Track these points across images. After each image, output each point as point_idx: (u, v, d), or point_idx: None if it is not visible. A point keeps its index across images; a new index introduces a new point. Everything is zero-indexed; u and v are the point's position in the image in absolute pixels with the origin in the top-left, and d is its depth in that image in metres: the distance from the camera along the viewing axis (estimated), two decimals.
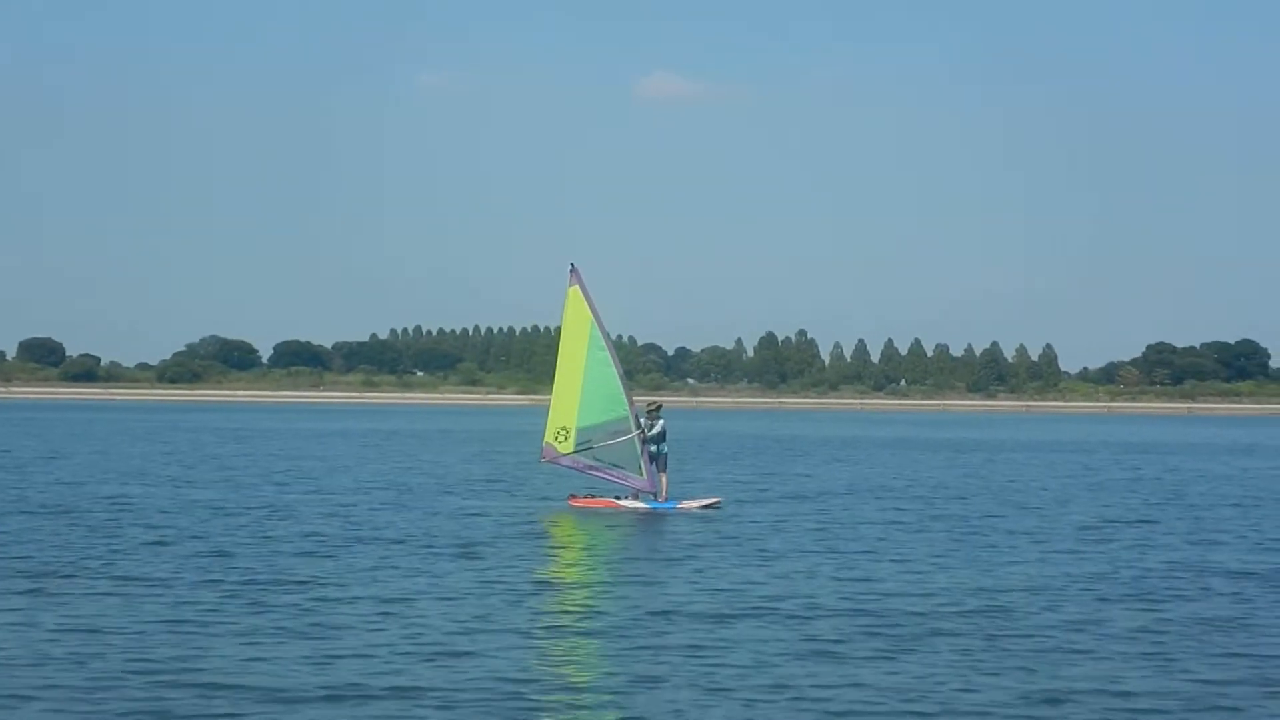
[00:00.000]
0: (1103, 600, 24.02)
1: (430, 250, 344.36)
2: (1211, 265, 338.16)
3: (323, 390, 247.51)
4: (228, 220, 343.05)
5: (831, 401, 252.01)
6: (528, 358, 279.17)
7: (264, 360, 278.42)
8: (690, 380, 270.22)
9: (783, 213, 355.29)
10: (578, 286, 39.45)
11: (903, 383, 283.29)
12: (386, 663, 18.38)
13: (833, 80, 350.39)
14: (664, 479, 39.55)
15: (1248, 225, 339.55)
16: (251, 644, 19.43)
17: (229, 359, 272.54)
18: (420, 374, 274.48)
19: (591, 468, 39.48)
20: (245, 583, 24.82)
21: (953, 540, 32.75)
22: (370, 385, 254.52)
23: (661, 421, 39.30)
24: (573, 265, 39.72)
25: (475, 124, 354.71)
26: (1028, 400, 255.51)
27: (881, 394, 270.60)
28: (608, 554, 30.64)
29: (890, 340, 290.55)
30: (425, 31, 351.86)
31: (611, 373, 39.24)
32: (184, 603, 22.62)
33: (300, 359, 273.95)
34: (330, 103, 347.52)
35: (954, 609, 22.77)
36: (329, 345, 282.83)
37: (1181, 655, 19.40)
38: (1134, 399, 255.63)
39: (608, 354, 39.31)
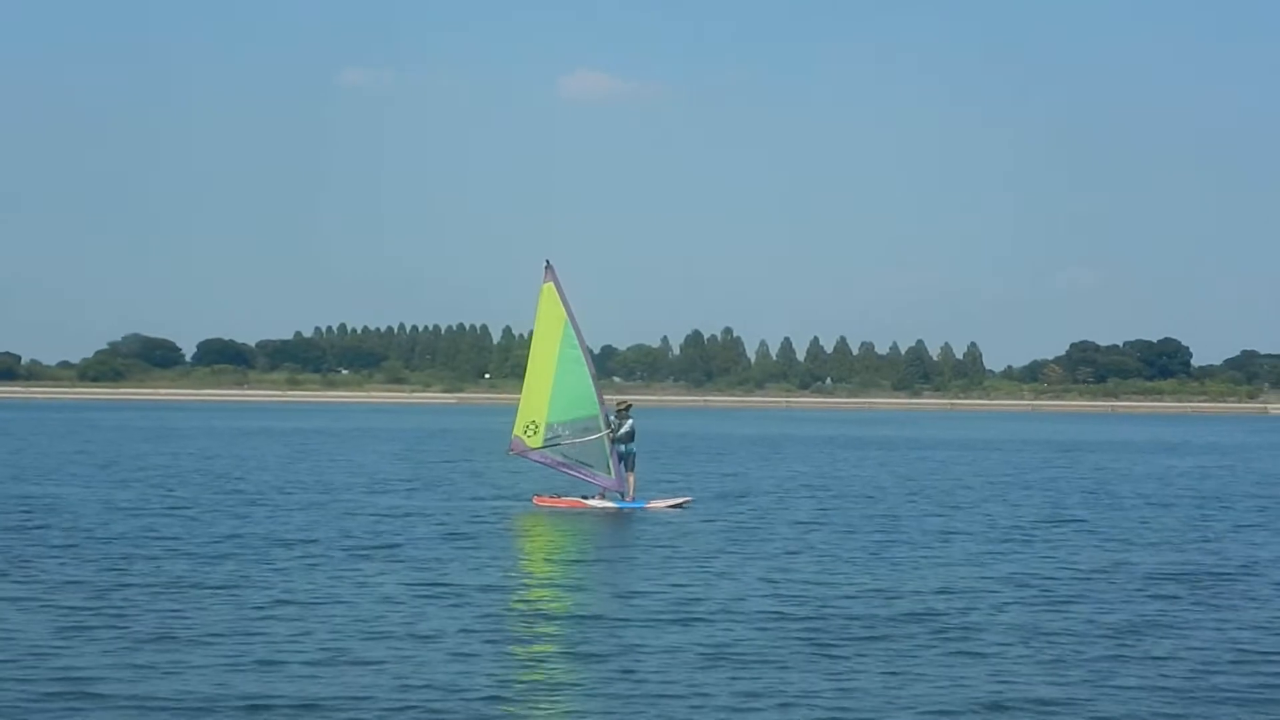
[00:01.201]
0: (1029, 604, 23.74)
1: (354, 248, 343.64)
2: (1134, 264, 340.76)
3: (246, 389, 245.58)
4: (150, 217, 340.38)
5: (757, 400, 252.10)
6: (453, 356, 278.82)
7: (187, 358, 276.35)
8: (616, 378, 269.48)
9: (708, 211, 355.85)
10: (553, 284, 39.31)
11: (828, 381, 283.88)
12: (283, 670, 17.82)
13: (755, 79, 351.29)
14: (632, 478, 39.56)
15: (1170, 225, 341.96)
16: (147, 651, 18.81)
17: (152, 357, 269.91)
18: (345, 372, 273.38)
19: (561, 464, 39.46)
20: (147, 586, 24.23)
21: (879, 541, 32.37)
22: (294, 384, 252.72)
23: (630, 421, 39.24)
24: (548, 262, 39.59)
25: (401, 121, 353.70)
26: (952, 398, 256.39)
27: (807, 392, 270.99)
28: (532, 556, 30.13)
29: (816, 338, 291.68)
30: (348, 30, 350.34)
31: (583, 371, 39.28)
32: (81, 608, 21.97)
33: (224, 357, 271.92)
34: (254, 99, 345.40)
35: (883, 612, 22.41)
36: (253, 344, 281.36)
37: (1099, 659, 19.11)
38: (1057, 397, 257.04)
39: (580, 352, 39.40)
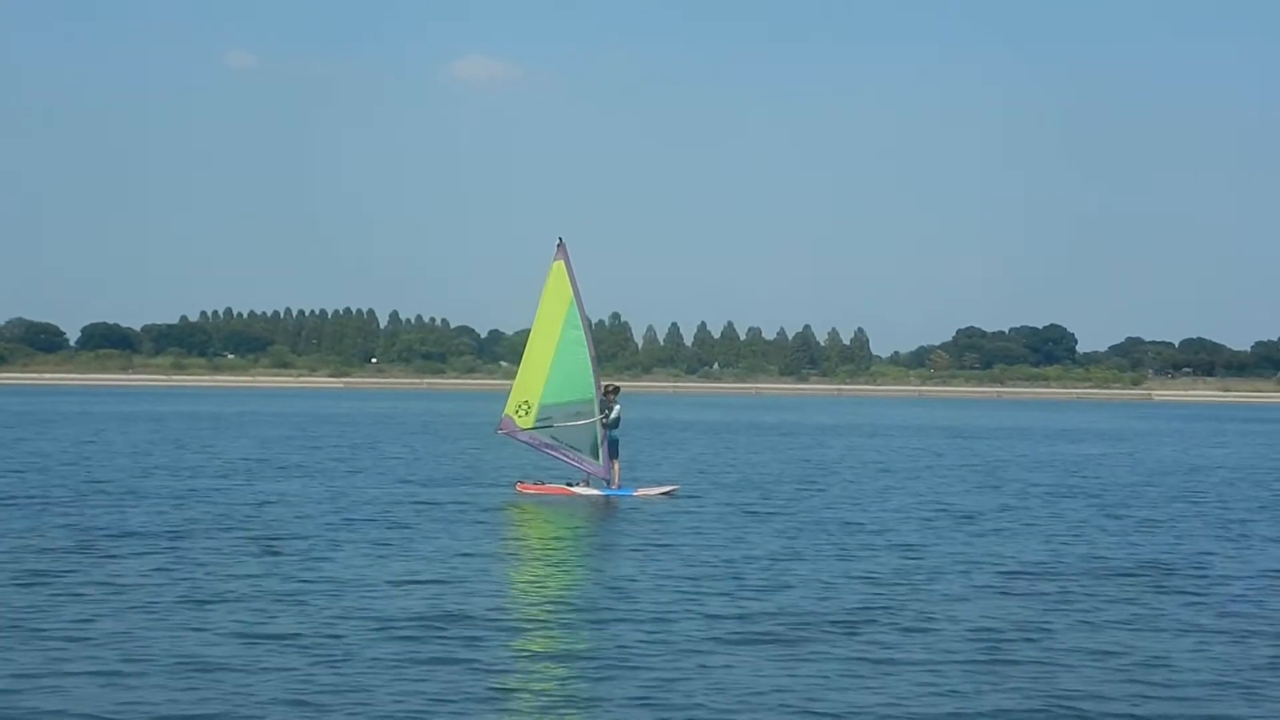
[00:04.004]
0: (916, 603, 23.37)
1: (238, 232, 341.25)
2: (1020, 251, 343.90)
3: (131, 373, 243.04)
4: (33, 199, 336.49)
5: (645, 384, 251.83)
6: (339, 340, 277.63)
7: (71, 343, 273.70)
8: (504, 363, 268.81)
9: (596, 196, 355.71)
10: (563, 262, 38.69)
11: (715, 366, 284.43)
12: (127, 681, 16.69)
13: (646, 64, 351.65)
14: (616, 466, 39.09)
15: (1055, 213, 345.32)
16: None
17: (35, 341, 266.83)
18: (231, 356, 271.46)
19: (547, 446, 38.88)
20: None
21: (778, 531, 31.83)
22: (180, 368, 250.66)
23: (618, 407, 38.79)
24: (560, 240, 38.90)
25: (287, 104, 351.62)
26: (839, 383, 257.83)
27: (694, 377, 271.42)
28: (427, 551, 28.61)
29: (703, 323, 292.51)
30: (233, 11, 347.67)
31: (583, 353, 38.65)
32: None
33: (109, 341, 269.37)
34: (137, 80, 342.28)
35: (769, 609, 21.91)
36: (138, 328, 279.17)
37: (990, 662, 18.86)
38: (944, 383, 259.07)
39: (582, 334, 38.77)
